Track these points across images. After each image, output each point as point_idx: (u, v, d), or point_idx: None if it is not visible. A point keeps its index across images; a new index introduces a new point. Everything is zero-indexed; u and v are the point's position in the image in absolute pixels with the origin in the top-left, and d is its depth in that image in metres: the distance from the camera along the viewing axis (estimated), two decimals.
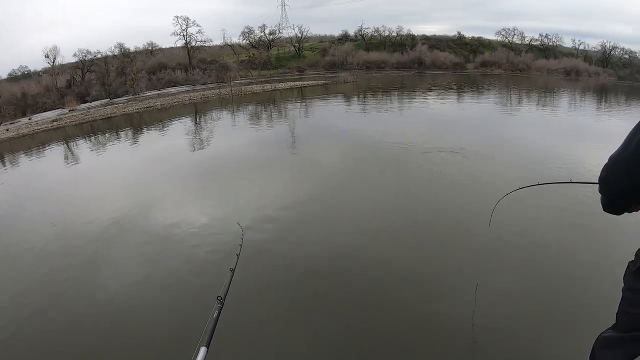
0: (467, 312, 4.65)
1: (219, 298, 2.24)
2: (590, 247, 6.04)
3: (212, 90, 26.05)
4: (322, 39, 60.40)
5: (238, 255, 3.03)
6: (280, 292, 4.93)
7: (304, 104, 22.75)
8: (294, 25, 57.84)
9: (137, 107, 25.94)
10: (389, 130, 14.66)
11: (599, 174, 1.67)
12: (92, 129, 21.07)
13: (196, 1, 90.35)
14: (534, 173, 8.93)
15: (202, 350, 1.86)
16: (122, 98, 34.49)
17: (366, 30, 59.44)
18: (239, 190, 8.87)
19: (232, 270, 2.67)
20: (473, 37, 63.98)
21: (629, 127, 1.73)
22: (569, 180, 2.93)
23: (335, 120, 17.48)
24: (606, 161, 1.65)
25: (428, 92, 29.78)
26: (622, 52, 66.75)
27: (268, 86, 28.39)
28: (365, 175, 9.55)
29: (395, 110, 20.82)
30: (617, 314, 1.87)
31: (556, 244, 6.21)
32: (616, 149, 1.61)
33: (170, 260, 5.93)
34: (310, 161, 11.13)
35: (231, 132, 16.00)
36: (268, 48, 53.08)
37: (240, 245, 3.19)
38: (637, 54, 66.10)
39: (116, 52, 43.92)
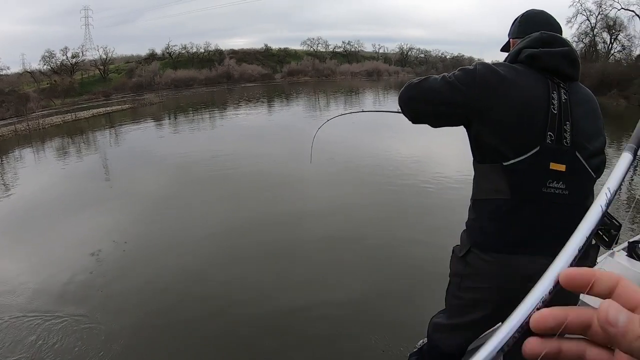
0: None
1: None
2: None
3: (8, 127, 24.40)
4: (128, 59, 59.97)
5: None
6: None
7: (113, 132, 22.54)
8: (98, 46, 56.86)
9: None
10: (202, 148, 15.26)
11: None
12: None
13: None
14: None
15: None
16: None
17: (174, 48, 60.90)
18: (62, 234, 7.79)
19: None
20: (280, 48, 70.32)
21: None
22: (361, 110, 2.91)
23: (147, 145, 17.44)
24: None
25: (238, 106, 31.85)
26: (418, 52, 79.24)
27: (69, 116, 28.00)
28: (190, 198, 9.50)
29: (207, 127, 21.81)
30: (446, 299, 2.00)
31: None
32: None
33: None
34: (127, 192, 10.53)
35: (37, 171, 14.32)
36: (71, 73, 51.04)
37: None
38: (431, 52, 78.75)
39: None
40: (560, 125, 1.57)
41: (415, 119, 1.88)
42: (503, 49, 2.11)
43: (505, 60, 1.80)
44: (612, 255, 3.32)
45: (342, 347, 4.15)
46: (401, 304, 4.80)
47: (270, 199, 8.97)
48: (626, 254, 3.47)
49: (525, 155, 1.55)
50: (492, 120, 1.61)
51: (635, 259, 3.37)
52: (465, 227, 1.84)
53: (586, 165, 1.60)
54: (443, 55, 79.61)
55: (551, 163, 1.55)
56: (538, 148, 1.55)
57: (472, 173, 1.83)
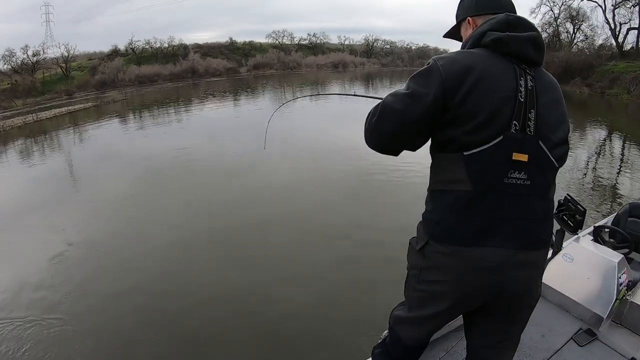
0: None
1: None
2: None
3: None
4: (91, 56, 58.13)
5: None
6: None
7: (76, 132, 21.88)
8: (59, 43, 54.35)
9: None
10: (166, 145, 15.34)
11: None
12: None
13: None
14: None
15: None
16: None
17: (137, 44, 59.29)
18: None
19: None
20: (245, 41, 69.68)
21: None
22: (317, 93, 3.10)
23: (111, 144, 17.10)
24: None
25: (204, 101, 31.81)
26: (383, 43, 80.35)
27: (30, 117, 26.90)
28: (156, 195, 9.53)
29: (173, 123, 22.06)
30: (405, 292, 1.95)
31: None
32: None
33: None
34: (93, 193, 10.28)
35: None
36: (32, 72, 48.68)
37: None
38: (397, 43, 79.92)
39: None
40: (525, 114, 1.50)
41: (397, 153, 1.74)
42: (448, 35, 1.96)
43: (466, 44, 1.68)
44: (577, 240, 3.30)
45: (305, 339, 4.37)
46: (365, 295, 5.00)
47: (237, 191, 9.35)
48: (592, 238, 3.55)
49: (488, 145, 1.48)
50: (459, 113, 1.50)
51: (600, 243, 3.43)
52: (421, 219, 1.75)
53: (549, 155, 1.56)
54: (408, 46, 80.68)
55: (514, 153, 1.50)
56: (501, 137, 1.48)
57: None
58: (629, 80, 25.41)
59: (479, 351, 1.92)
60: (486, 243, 1.53)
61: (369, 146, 1.75)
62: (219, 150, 13.85)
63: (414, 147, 1.70)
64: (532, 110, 1.52)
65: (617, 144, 14.14)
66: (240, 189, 9.53)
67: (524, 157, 1.50)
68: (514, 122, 1.49)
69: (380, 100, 1.68)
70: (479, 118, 1.48)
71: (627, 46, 34.53)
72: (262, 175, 10.28)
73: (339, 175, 10.13)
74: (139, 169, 12.23)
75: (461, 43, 1.80)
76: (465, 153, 1.51)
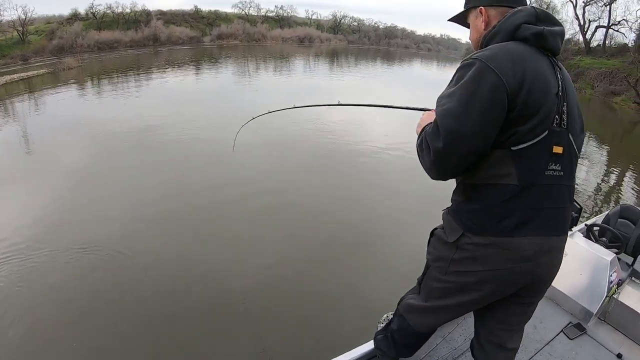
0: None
1: None
2: None
3: None
4: (49, 20, 54.71)
5: None
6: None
7: (32, 99, 20.59)
8: (17, 5, 53.15)
9: None
10: (126, 114, 15.41)
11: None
12: None
13: None
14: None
15: None
16: None
17: (98, 8, 56.09)
18: None
19: None
20: (210, 10, 67.33)
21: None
22: (293, 106, 2.87)
23: (70, 112, 16.49)
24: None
25: (165, 70, 31.18)
26: (351, 20, 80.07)
27: None
28: (115, 169, 9.42)
29: (133, 92, 21.42)
30: (421, 281, 1.99)
31: None
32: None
33: None
34: (52, 162, 10.16)
35: None
36: None
37: None
38: (365, 21, 79.98)
39: None
40: (561, 108, 1.54)
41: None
42: (454, 19, 1.87)
43: (491, 36, 1.62)
44: (571, 236, 3.39)
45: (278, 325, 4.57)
46: (345, 280, 5.20)
47: (199, 168, 9.56)
48: (583, 235, 3.68)
49: (535, 140, 1.49)
50: (519, 115, 1.47)
51: (592, 240, 3.60)
52: (449, 209, 1.77)
53: (574, 145, 1.60)
54: (376, 25, 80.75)
55: (554, 146, 1.53)
56: (546, 132, 1.50)
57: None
58: (593, 76, 26.29)
59: (495, 333, 1.94)
60: (523, 233, 1.56)
61: (435, 178, 1.64)
62: (182, 124, 13.67)
63: (487, 152, 1.57)
64: (565, 103, 1.56)
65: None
66: (204, 165, 9.75)
67: (560, 150, 1.56)
68: (556, 116, 1.53)
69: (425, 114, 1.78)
70: (536, 118, 1.49)
71: (594, 43, 35.87)
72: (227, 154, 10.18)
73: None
74: (93, 142, 11.92)
75: (467, 29, 1.85)
76: (513, 148, 1.51)
